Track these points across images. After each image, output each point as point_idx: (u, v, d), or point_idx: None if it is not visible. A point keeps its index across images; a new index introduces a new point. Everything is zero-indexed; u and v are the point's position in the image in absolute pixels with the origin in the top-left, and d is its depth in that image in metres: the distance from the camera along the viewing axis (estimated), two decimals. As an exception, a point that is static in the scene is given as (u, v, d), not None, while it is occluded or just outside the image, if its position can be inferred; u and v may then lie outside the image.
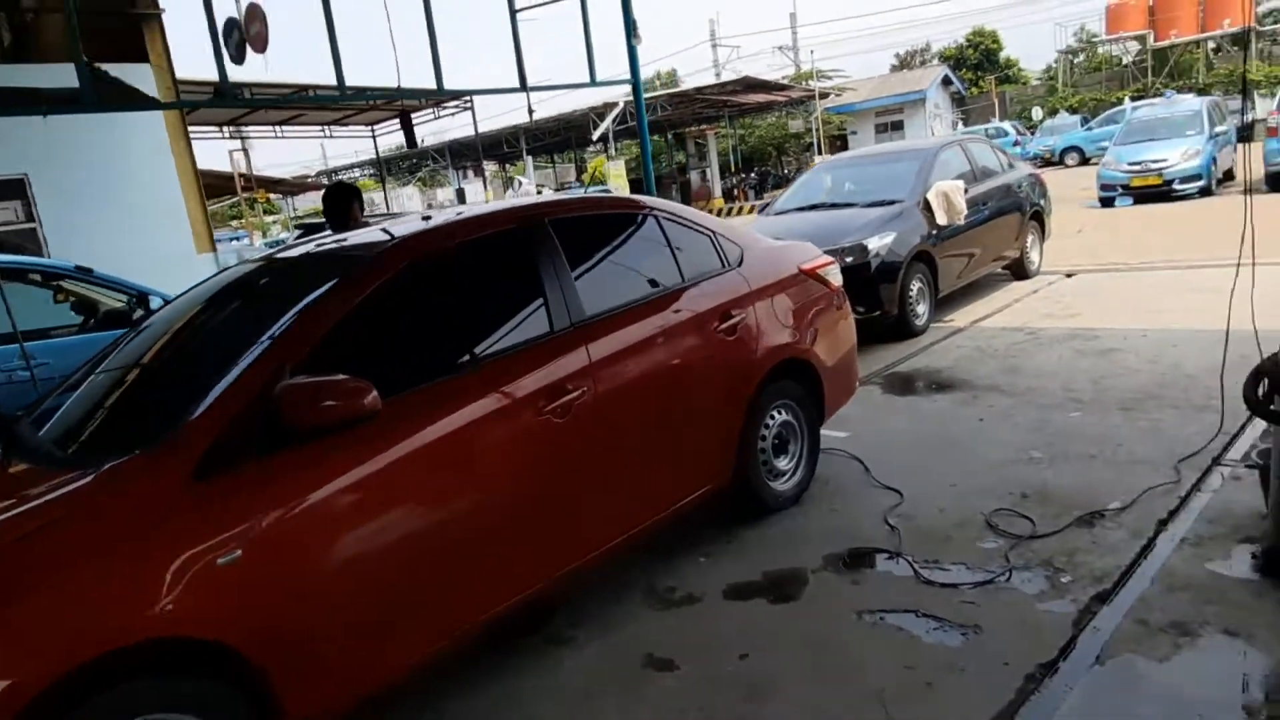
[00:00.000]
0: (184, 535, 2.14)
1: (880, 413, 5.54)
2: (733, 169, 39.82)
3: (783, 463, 4.19)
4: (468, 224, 3.22)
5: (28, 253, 10.84)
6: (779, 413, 4.14)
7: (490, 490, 2.83)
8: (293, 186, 31.94)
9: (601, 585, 3.56)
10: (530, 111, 8.21)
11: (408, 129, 6.32)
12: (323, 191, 4.79)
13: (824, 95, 38.25)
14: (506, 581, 2.90)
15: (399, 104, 6.02)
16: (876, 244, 7.17)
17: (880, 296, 7.14)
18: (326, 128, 17.86)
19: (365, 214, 4.97)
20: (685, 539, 3.90)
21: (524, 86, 7.15)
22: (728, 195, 34.59)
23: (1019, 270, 9.30)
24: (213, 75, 12.71)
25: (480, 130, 34.12)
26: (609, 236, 3.67)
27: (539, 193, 31.93)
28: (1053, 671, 2.64)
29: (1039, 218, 9.45)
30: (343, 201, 4.91)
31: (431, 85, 7.28)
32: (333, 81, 7.83)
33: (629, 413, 3.32)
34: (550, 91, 7.52)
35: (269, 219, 43.31)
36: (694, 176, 36.42)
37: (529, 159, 35.37)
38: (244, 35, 9.53)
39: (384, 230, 3.23)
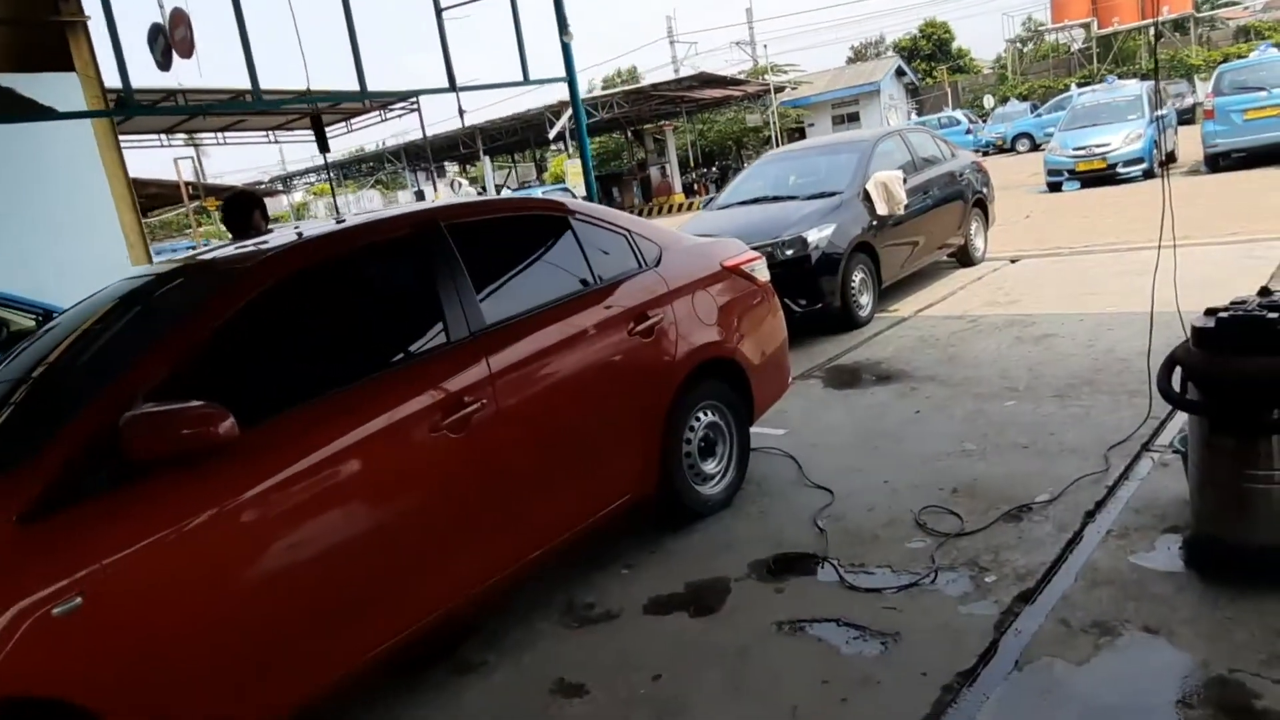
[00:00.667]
0: (9, 585, 1.95)
1: (819, 408, 5.44)
2: (692, 164, 39.81)
3: (710, 466, 4.07)
4: (353, 232, 3.05)
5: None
6: (705, 414, 4.01)
7: (378, 515, 2.66)
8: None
9: (518, 603, 3.41)
10: (461, 112, 8.00)
11: (319, 134, 6.08)
12: (221, 202, 4.62)
13: (779, 89, 38.35)
14: (402, 610, 2.72)
15: (311, 108, 5.78)
16: (816, 236, 7.07)
17: (821, 289, 7.05)
18: (271, 133, 17.45)
19: (269, 223, 4.75)
20: (609, 549, 3.76)
21: (453, 87, 6.95)
22: (688, 190, 34.54)
23: (964, 257, 9.27)
24: (150, 82, 12.36)
25: (437, 131, 33.81)
26: (514, 240, 3.51)
27: (498, 192, 31.57)
28: (971, 680, 2.54)
29: (982, 205, 9.43)
30: (243, 210, 4.69)
31: (371, 87, 7.09)
32: (272, 85, 7.59)
33: (535, 424, 3.16)
34: (483, 90, 7.35)
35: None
36: (654, 172, 36.37)
37: (487, 159, 35.00)
38: (169, 41, 9.24)
39: (269, 240, 3.04)
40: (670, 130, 36.85)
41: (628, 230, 3.89)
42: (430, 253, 3.07)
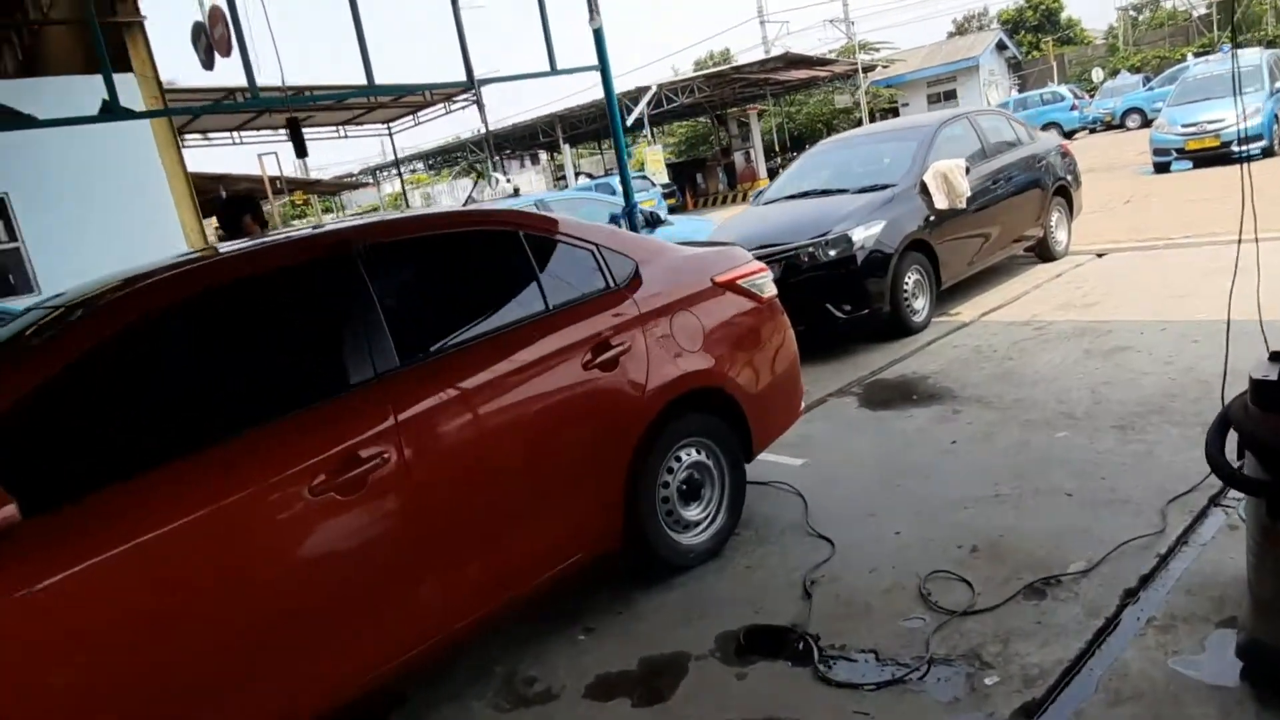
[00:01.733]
0: None
1: (847, 432, 4.87)
2: (778, 148, 38.77)
3: (694, 512, 3.59)
4: (232, 262, 2.68)
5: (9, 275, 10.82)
6: (689, 453, 3.54)
7: (232, 600, 2.28)
8: (329, 186, 32.08)
9: (456, 670, 3.04)
10: (481, 109, 7.64)
11: (296, 138, 5.82)
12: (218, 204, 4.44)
13: (869, 68, 36.88)
14: (275, 705, 2.37)
15: (288, 110, 5.56)
16: (862, 234, 6.44)
17: (868, 292, 6.42)
18: (340, 128, 17.69)
19: (266, 226, 4.51)
20: (575, 603, 3.35)
21: (470, 81, 6.63)
22: (774, 175, 33.61)
23: (1043, 251, 8.41)
24: (207, 82, 12.52)
25: (518, 120, 33.91)
26: (447, 262, 3.10)
27: (575, 180, 31.33)
28: (938, 829, 2.02)
29: (1065, 193, 8.53)
30: (234, 214, 4.48)
31: (409, 81, 6.86)
32: (317, 81, 7.45)
33: (455, 479, 2.76)
34: (506, 83, 6.93)
35: (327, 217, 43.65)
36: (738, 158, 35.55)
37: (567, 147, 34.88)
38: (210, 39, 9.23)
39: (141, 271, 2.71)
40: (755, 114, 35.93)
41: (595, 244, 3.43)
42: (333, 283, 2.70)
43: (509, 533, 2.90)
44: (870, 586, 3.14)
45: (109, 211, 11.21)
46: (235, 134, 17.73)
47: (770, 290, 3.97)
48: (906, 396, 5.25)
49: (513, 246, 3.22)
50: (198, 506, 2.23)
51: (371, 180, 43.01)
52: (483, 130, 37.72)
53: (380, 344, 2.69)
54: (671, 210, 29.61)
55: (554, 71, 7.12)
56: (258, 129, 18.21)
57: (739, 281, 3.80)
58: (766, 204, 7.86)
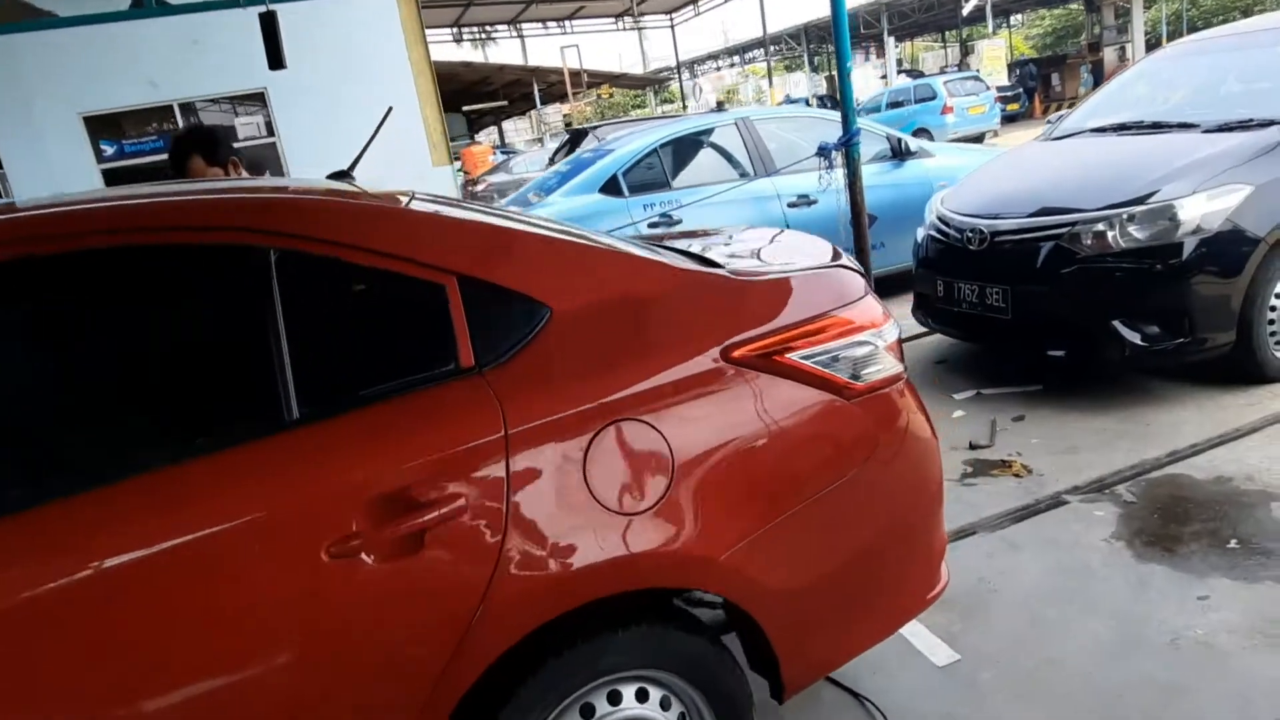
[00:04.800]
0: None
1: (1067, 600, 2.67)
2: (1165, 42, 31.53)
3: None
4: None
5: (269, 171, 11.11)
6: (616, 696, 1.77)
7: None
8: (635, 81, 31.24)
9: None
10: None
11: (270, 41, 4.42)
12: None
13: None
14: None
15: (264, 8, 4.22)
16: (1200, 206, 3.82)
17: (1194, 305, 3.84)
18: (618, 19, 16.44)
19: (231, 168, 3.30)
20: None
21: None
22: (1154, 78, 27.15)
23: None
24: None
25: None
26: (71, 321, 1.53)
27: (894, 79, 27.48)
28: None
29: None
30: (179, 154, 3.32)
31: None
32: None
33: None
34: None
35: (666, 108, 42.73)
36: (1109, 54, 29.44)
37: (891, 40, 30.82)
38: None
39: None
40: (1138, -1, 29.14)
41: (454, 273, 1.65)
42: None
43: None
44: None
45: (355, 106, 11.07)
46: (510, 27, 17.22)
47: (884, 369, 1.93)
48: (1216, 533, 2.86)
49: (240, 283, 1.56)
50: None
51: (688, 75, 41.75)
52: (803, 21, 34.75)
53: None
54: (1010, 119, 24.95)
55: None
56: (539, 20, 17.57)
57: (795, 355, 1.83)
58: (1058, 139, 5.22)
